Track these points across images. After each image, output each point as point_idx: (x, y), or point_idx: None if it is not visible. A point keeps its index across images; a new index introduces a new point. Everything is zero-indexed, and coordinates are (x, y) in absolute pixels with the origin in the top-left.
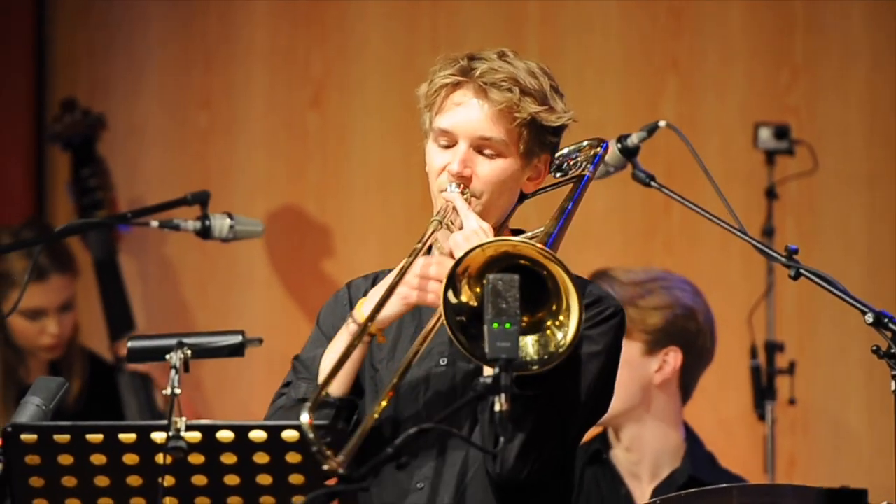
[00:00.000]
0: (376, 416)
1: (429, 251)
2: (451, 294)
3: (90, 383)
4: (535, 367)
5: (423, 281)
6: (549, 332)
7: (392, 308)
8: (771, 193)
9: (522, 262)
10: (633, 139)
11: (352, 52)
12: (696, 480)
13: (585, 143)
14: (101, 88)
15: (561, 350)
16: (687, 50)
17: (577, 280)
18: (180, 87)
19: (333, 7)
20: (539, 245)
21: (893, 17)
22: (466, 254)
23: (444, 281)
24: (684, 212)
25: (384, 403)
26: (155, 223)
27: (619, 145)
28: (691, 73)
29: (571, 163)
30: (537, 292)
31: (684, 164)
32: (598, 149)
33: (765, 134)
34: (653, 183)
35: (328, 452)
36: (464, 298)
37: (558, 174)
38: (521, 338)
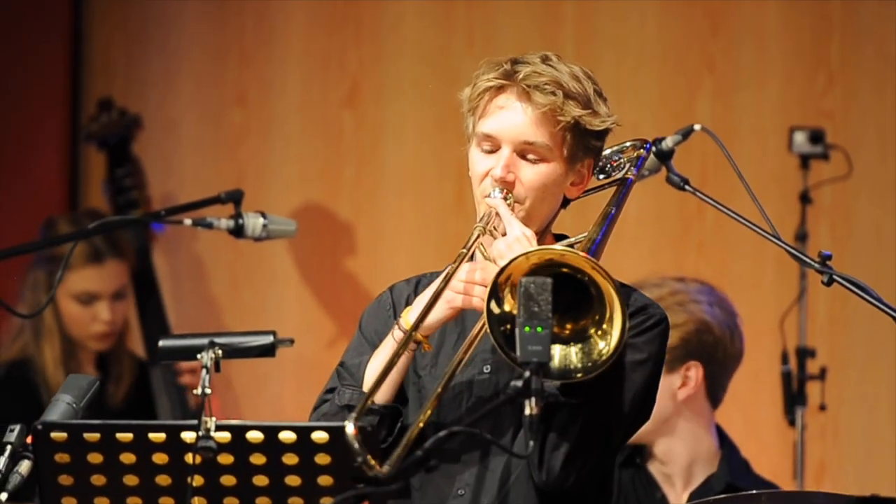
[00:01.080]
0: (422, 424)
1: (472, 257)
2: (493, 304)
3: (136, 384)
4: (579, 375)
5: (469, 286)
6: (592, 340)
7: (437, 314)
8: (805, 198)
9: (565, 269)
10: (668, 142)
11: (387, 53)
12: (734, 487)
13: (628, 144)
14: (136, 87)
15: (604, 358)
16: (723, 52)
17: (621, 288)
18: (215, 85)
19: (369, 7)
20: (583, 254)
21: None
22: (509, 263)
23: (488, 288)
24: (718, 216)
25: (429, 412)
26: (188, 221)
27: (654, 148)
28: (727, 75)
29: (614, 164)
30: (581, 300)
31: (718, 168)
32: (642, 150)
33: (800, 138)
34: (687, 187)
35: (373, 462)
36: (507, 308)
37: (601, 176)
38: (564, 346)
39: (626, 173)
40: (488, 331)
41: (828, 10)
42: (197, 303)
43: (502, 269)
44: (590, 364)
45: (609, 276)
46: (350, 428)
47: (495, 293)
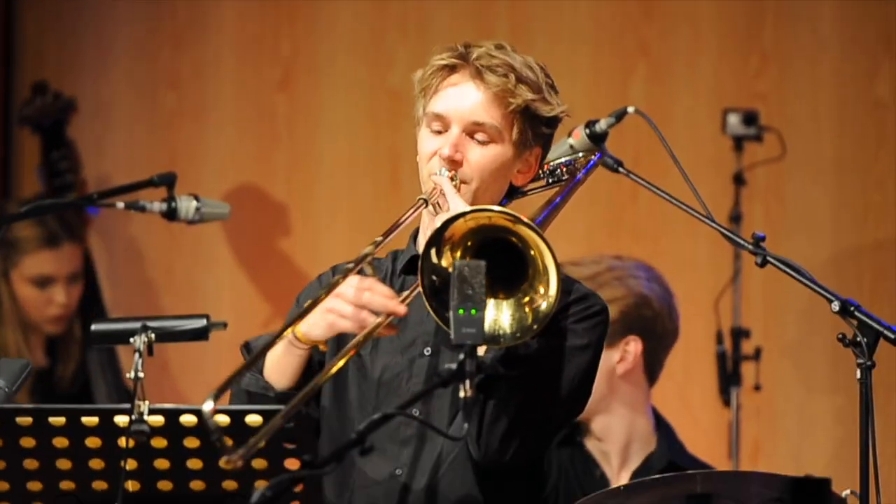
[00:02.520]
0: (327, 377)
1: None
2: (433, 252)
3: (84, 368)
4: (508, 341)
5: (356, 310)
6: (525, 307)
7: (319, 330)
8: (739, 180)
9: (508, 237)
10: (602, 125)
11: (320, 34)
12: (674, 466)
13: (581, 155)
14: (68, 68)
15: (535, 325)
16: (657, 35)
17: (560, 268)
18: (148, 67)
19: None
20: (513, 212)
21: (862, 3)
22: (448, 222)
23: (424, 245)
24: (651, 198)
25: (340, 363)
26: (121, 205)
27: (587, 131)
28: (661, 58)
29: (565, 169)
30: (517, 267)
31: (652, 150)
32: (592, 156)
33: (733, 120)
34: (620, 169)
35: (229, 444)
36: (444, 263)
37: (550, 180)
38: (496, 311)
39: (574, 173)
40: (419, 274)
41: None
42: (132, 285)
43: (442, 228)
44: (520, 331)
45: (542, 235)
46: (208, 405)
47: (437, 245)
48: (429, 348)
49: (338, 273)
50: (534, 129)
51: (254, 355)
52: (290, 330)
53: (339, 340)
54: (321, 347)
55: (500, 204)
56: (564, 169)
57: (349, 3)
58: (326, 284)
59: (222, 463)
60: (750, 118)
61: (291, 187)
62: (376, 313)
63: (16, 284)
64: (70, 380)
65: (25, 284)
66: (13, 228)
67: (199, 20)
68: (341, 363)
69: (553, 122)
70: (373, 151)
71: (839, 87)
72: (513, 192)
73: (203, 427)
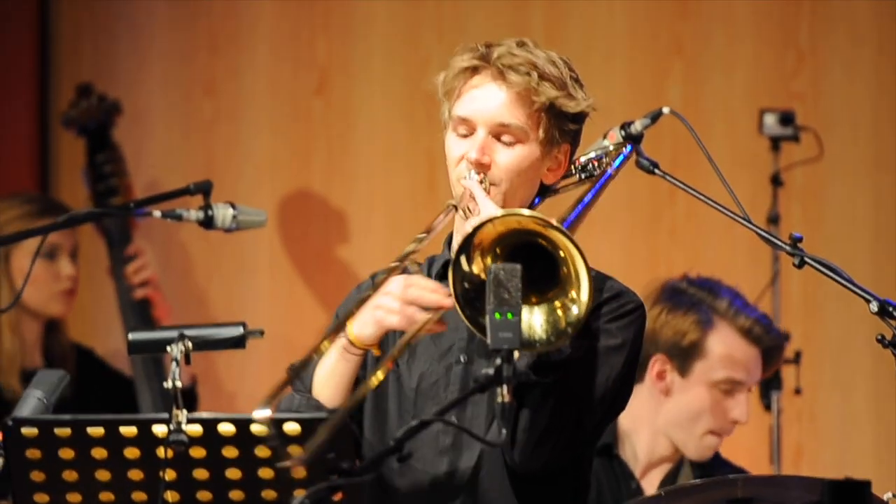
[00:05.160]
0: (374, 384)
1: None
2: (463, 259)
3: (77, 373)
4: (543, 346)
5: (403, 306)
6: (558, 311)
7: (369, 329)
8: (776, 180)
9: (538, 240)
10: (637, 126)
11: (356, 37)
12: (706, 474)
13: (612, 147)
14: (105, 73)
15: (569, 329)
16: (692, 34)
17: (590, 267)
18: (184, 73)
19: None
20: (543, 216)
21: None
22: (477, 228)
23: (454, 254)
24: (689, 199)
25: (380, 375)
26: (158, 213)
27: (623, 132)
28: (696, 57)
29: (596, 164)
30: (549, 271)
31: (689, 151)
32: (623, 149)
33: (770, 120)
34: (656, 170)
35: (291, 450)
36: (475, 269)
37: (582, 175)
38: (528, 317)
39: (605, 168)
40: (451, 283)
41: None
42: (175, 292)
43: (471, 235)
44: (554, 335)
45: (573, 240)
46: (264, 412)
47: (467, 251)
48: (464, 355)
49: (376, 282)
50: (560, 126)
51: (305, 357)
52: (338, 332)
53: (390, 347)
54: (374, 351)
55: (532, 203)
56: (596, 164)
57: (384, 5)
58: (367, 288)
59: (286, 465)
60: (787, 118)
61: (329, 190)
62: (425, 308)
63: (19, 265)
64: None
65: (31, 260)
66: (2, 212)
67: (235, 24)
68: (396, 356)
69: (580, 117)
70: (410, 154)
71: (876, 86)
72: (544, 191)
73: (241, 436)
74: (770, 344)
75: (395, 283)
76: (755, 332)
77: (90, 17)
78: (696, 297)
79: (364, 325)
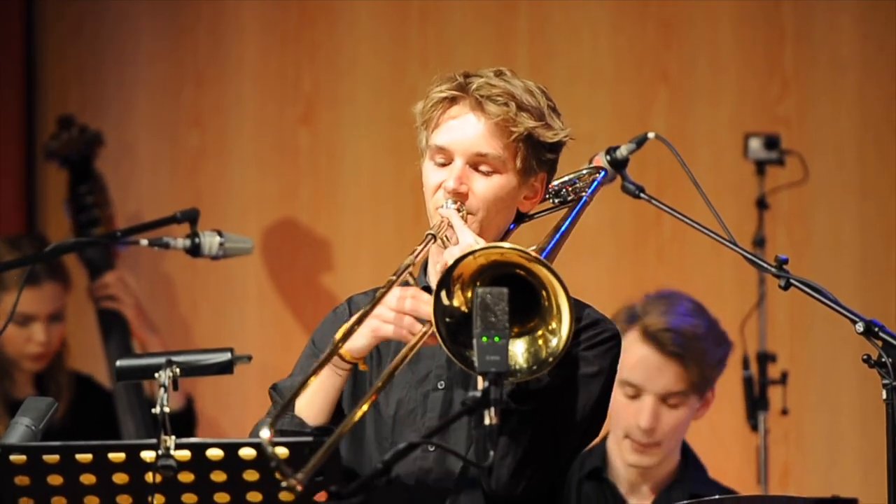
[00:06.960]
0: (356, 418)
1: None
2: (444, 294)
3: (77, 403)
4: (525, 375)
5: (398, 316)
6: (539, 341)
7: (362, 340)
8: (762, 204)
9: (518, 271)
10: (623, 151)
11: (341, 69)
12: (695, 495)
13: (585, 171)
14: (91, 106)
15: (550, 358)
16: (676, 61)
17: (572, 298)
18: (171, 105)
19: (323, 24)
20: (525, 249)
21: (883, 26)
22: (457, 261)
23: (435, 290)
24: (675, 223)
25: (365, 408)
26: (145, 242)
27: (609, 157)
28: (681, 84)
29: (570, 189)
30: (530, 302)
31: (675, 176)
32: (597, 174)
33: (755, 144)
34: (642, 195)
35: (288, 469)
36: (455, 303)
37: (556, 200)
38: (511, 346)
39: (581, 194)
40: (432, 321)
41: (781, 17)
42: (161, 320)
43: (451, 269)
44: (535, 365)
45: (552, 269)
46: (265, 433)
47: (447, 286)
48: (442, 382)
49: (353, 306)
50: (537, 155)
51: (308, 373)
52: (333, 356)
53: (381, 363)
54: (361, 367)
55: (508, 230)
56: (570, 189)
57: (370, 36)
58: (343, 317)
59: (285, 484)
60: (772, 142)
61: (315, 221)
62: (420, 321)
63: None
64: (62, 414)
65: (4, 321)
66: None
67: (221, 58)
68: (398, 365)
69: (557, 147)
70: (395, 185)
71: (861, 109)
72: (520, 218)
73: (229, 460)
74: (674, 350)
75: (391, 295)
76: (658, 337)
77: (76, 51)
78: (641, 302)
79: (357, 337)
